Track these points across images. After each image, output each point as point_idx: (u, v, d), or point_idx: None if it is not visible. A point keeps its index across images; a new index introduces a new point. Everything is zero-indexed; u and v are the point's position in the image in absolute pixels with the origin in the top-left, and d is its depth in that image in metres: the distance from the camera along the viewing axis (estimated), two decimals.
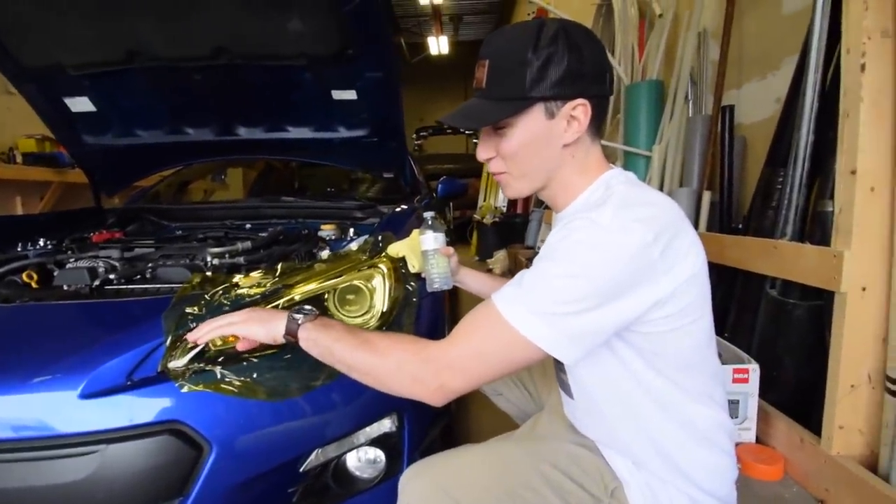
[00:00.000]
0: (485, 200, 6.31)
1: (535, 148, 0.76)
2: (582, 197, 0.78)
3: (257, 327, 0.80)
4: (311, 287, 0.96)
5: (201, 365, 0.82)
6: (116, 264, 1.16)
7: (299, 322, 0.78)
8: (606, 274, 0.65)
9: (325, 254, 1.19)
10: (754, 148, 1.86)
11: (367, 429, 0.97)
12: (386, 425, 0.99)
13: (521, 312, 0.66)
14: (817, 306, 1.33)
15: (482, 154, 0.80)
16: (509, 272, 4.41)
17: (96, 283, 1.06)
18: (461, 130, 8.91)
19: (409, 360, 0.71)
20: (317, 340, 0.77)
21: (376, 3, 1.24)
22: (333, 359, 0.76)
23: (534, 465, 0.78)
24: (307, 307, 0.82)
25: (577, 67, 0.71)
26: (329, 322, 0.80)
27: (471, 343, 0.69)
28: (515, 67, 0.71)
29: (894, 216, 1.09)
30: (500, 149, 0.77)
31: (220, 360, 0.84)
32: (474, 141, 9.00)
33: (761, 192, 1.58)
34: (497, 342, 0.67)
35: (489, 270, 4.57)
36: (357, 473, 0.99)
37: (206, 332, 0.81)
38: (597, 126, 0.77)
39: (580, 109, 0.73)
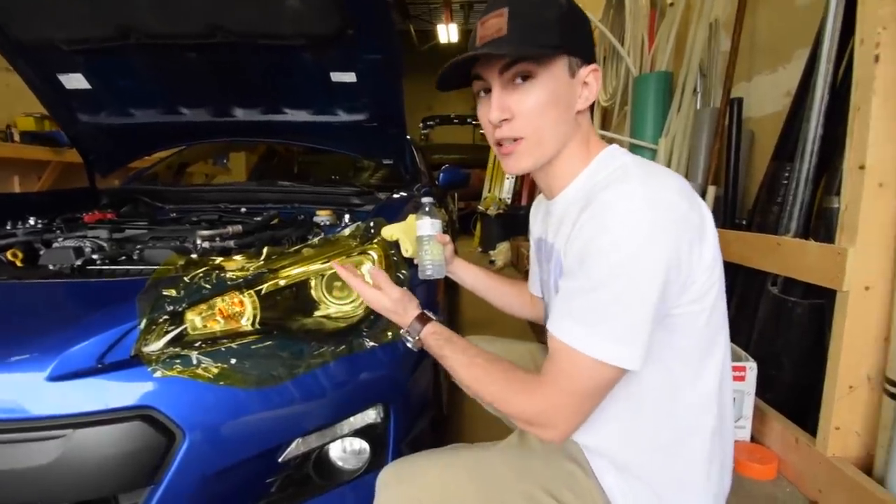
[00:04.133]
0: (489, 192, 6.26)
1: (556, 108, 0.70)
2: (584, 175, 0.74)
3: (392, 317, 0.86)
4: (298, 272, 0.94)
5: (177, 349, 0.80)
6: (104, 245, 1.15)
7: (409, 344, 0.84)
8: (663, 261, 0.61)
9: (316, 239, 1.17)
10: (762, 142, 1.82)
11: (352, 419, 0.95)
12: (371, 416, 0.97)
13: (603, 346, 0.62)
14: (818, 305, 1.30)
15: (497, 114, 0.71)
16: (511, 264, 4.38)
17: (78, 262, 1.04)
18: (468, 121, 8.83)
19: (520, 414, 0.69)
20: (431, 347, 0.81)
21: None
22: (452, 373, 0.78)
23: (520, 486, 0.74)
24: (410, 333, 0.83)
25: (587, 33, 0.73)
26: (446, 335, 0.80)
27: (567, 392, 0.66)
28: (545, 15, 0.68)
29: None
30: (522, 105, 0.70)
31: (197, 344, 0.82)
32: (481, 132, 8.90)
33: (766, 186, 1.54)
34: (591, 381, 0.65)
35: (491, 262, 4.54)
36: (340, 464, 0.98)
37: (360, 293, 0.88)
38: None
39: (593, 75, 0.72)
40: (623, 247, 0.61)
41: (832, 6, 1.28)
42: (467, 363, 0.74)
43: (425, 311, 0.85)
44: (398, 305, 0.85)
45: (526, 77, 0.69)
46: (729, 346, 0.76)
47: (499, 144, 0.75)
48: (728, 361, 0.76)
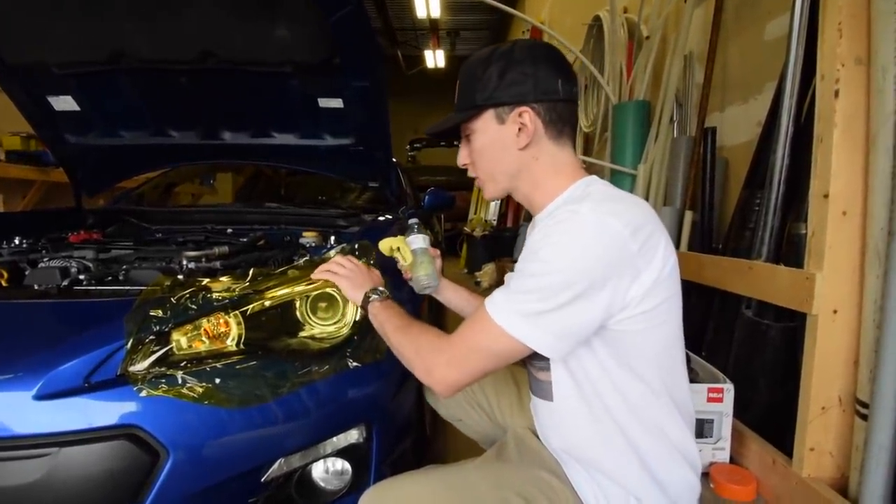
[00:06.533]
0: (475, 213, 6.33)
1: (494, 151, 0.84)
2: (562, 197, 0.82)
3: (348, 288, 0.97)
4: (283, 293, 0.96)
5: (163, 369, 0.81)
6: (90, 265, 1.15)
7: (370, 299, 0.93)
8: (585, 266, 0.69)
9: (301, 261, 1.18)
10: (736, 170, 1.89)
11: (334, 439, 0.95)
12: (354, 436, 0.97)
13: (506, 312, 0.72)
14: (791, 328, 1.34)
15: (459, 160, 0.91)
16: (497, 285, 4.40)
17: (65, 283, 1.04)
18: (454, 143, 8.99)
19: (425, 351, 0.79)
20: (376, 316, 0.90)
21: (363, 15, 1.25)
22: (383, 336, 0.89)
23: (496, 493, 0.77)
24: (381, 289, 0.96)
25: (519, 78, 0.79)
26: (392, 304, 0.93)
27: (465, 341, 0.76)
28: (471, 82, 0.83)
29: (865, 240, 1.10)
30: (472, 154, 0.87)
31: (183, 364, 0.83)
32: None
33: (739, 212, 1.60)
34: (487, 341, 0.74)
35: (477, 283, 4.57)
36: (322, 485, 0.97)
37: (318, 272, 0.99)
38: (557, 130, 0.81)
39: (526, 116, 0.79)
40: (556, 253, 0.71)
41: (794, 42, 1.36)
42: (396, 325, 0.86)
43: (379, 289, 0.96)
44: (356, 278, 0.97)
45: (468, 135, 0.86)
46: (683, 359, 0.83)
47: None
48: (682, 371, 0.82)
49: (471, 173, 0.90)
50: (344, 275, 0.98)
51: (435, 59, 10.50)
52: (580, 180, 0.82)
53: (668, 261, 0.74)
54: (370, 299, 0.93)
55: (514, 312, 0.71)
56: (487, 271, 4.62)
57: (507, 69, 0.79)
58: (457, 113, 0.86)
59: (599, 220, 0.70)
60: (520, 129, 0.80)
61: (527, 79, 0.79)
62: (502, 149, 0.82)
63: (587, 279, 0.69)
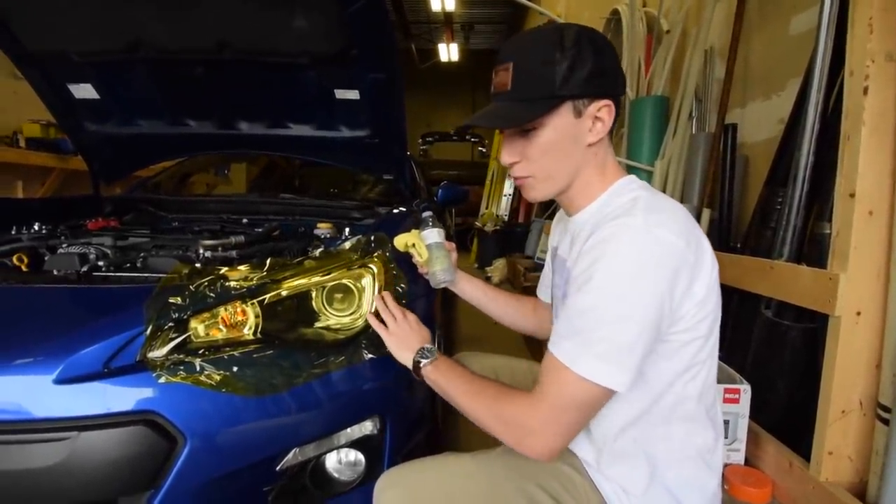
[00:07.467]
0: (486, 208, 6.31)
1: (563, 148, 0.75)
2: (600, 200, 0.78)
3: (394, 347, 0.91)
4: (299, 283, 0.96)
5: (181, 356, 0.81)
6: (108, 252, 1.16)
7: (421, 364, 0.86)
8: (655, 295, 0.65)
9: (317, 252, 1.18)
10: (756, 167, 1.86)
11: (348, 430, 0.96)
12: (367, 427, 0.98)
13: (590, 364, 0.66)
14: (811, 329, 1.32)
15: (507, 158, 0.79)
16: (508, 281, 4.39)
17: (84, 269, 1.05)
18: (466, 138, 8.95)
19: (509, 420, 0.71)
20: (435, 382, 0.84)
21: (381, 6, 1.24)
22: (447, 399, 0.82)
23: (517, 483, 0.76)
24: (429, 347, 0.88)
25: (600, 68, 0.72)
26: (446, 364, 0.85)
27: (551, 400, 0.69)
28: (543, 68, 0.72)
29: (892, 240, 1.08)
30: (528, 151, 0.77)
31: (201, 352, 0.83)
32: (480, 149, 9.04)
33: (760, 211, 1.57)
34: (576, 397, 0.67)
35: (487, 278, 4.56)
36: (336, 475, 0.98)
37: (372, 316, 0.95)
38: (614, 126, 0.78)
39: (605, 110, 0.74)
40: (618, 276, 0.65)
41: (822, 40, 1.33)
42: (464, 391, 0.78)
43: (426, 348, 0.89)
44: (402, 335, 0.91)
45: (532, 129, 0.75)
46: (716, 369, 0.79)
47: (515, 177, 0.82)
48: (714, 383, 0.79)
49: (519, 173, 0.79)
50: (392, 331, 0.93)
51: (448, 52, 10.42)
52: (619, 181, 0.78)
53: (715, 265, 0.72)
54: (421, 364, 0.86)
55: (590, 356, 0.66)
56: (498, 267, 4.60)
57: (587, 57, 0.71)
58: (523, 102, 0.73)
59: (653, 235, 0.66)
60: (593, 123, 0.74)
61: (606, 70, 0.73)
62: (572, 145, 0.75)
63: (659, 310, 0.66)
